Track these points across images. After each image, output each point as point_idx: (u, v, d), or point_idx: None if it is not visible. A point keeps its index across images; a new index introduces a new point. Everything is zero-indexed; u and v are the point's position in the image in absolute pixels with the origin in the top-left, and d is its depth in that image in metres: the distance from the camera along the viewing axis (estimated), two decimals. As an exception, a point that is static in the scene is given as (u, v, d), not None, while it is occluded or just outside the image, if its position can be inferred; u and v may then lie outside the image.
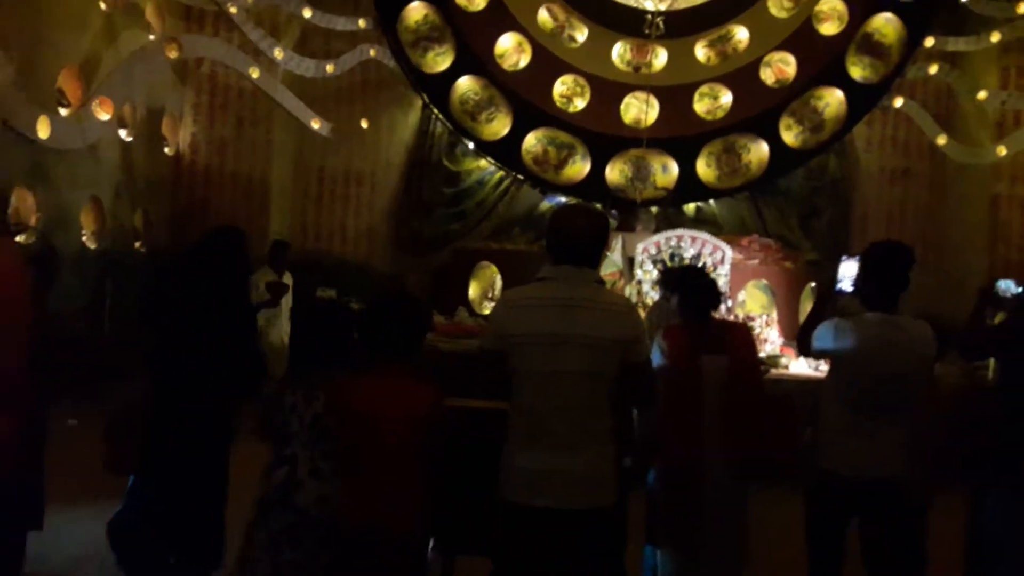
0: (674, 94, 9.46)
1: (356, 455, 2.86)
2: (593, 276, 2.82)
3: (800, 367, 7.11)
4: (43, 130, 6.86)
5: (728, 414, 3.49)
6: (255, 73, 8.73)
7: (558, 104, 9.61)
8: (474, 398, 3.20)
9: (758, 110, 9.46)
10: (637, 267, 7.72)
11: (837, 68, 9.38)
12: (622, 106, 9.58)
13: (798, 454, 3.60)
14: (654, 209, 9.16)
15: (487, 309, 8.37)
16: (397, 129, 10.20)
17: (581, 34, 9.59)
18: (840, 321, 3.38)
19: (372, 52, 9.39)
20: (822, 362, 4.94)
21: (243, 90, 9.34)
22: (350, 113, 9.75)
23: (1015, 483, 3.23)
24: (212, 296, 3.52)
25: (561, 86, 9.62)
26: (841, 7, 9.38)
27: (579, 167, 9.66)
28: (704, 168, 9.60)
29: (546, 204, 10.09)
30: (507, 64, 9.57)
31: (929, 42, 9.29)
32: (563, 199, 9.76)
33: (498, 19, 9.47)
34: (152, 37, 8.60)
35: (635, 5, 9.39)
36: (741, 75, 9.49)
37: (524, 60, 9.59)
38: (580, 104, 9.63)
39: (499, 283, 8.59)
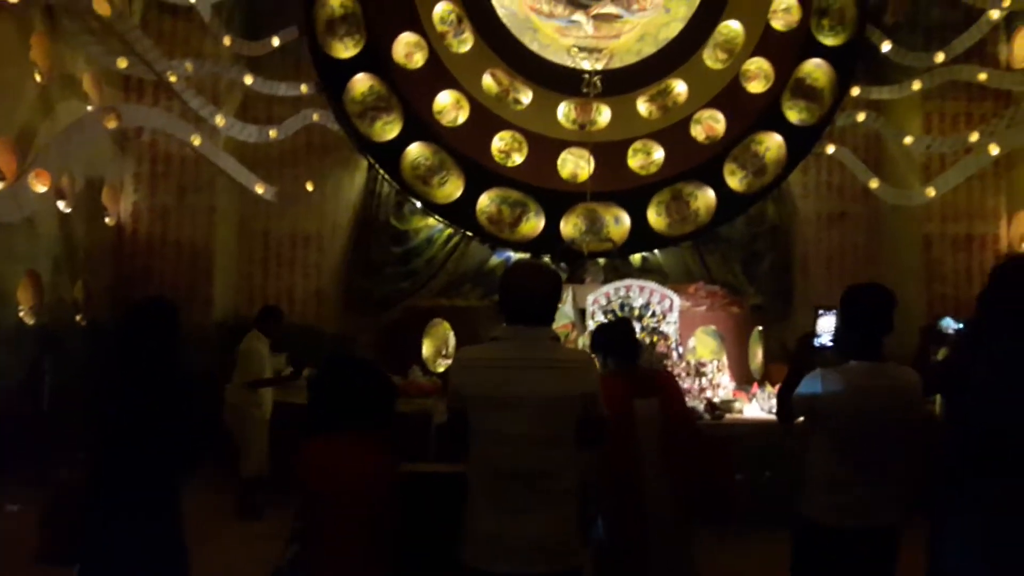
0: (609, 150, 9.69)
1: (316, 521, 2.81)
2: (548, 333, 2.83)
3: (753, 411, 7.18)
4: (-23, 204, 6.72)
5: (665, 454, 3.59)
6: (196, 140, 8.67)
7: (497, 159, 9.75)
8: (432, 460, 3.17)
9: (689, 166, 9.76)
10: (589, 318, 7.78)
11: (774, 113, 9.74)
12: (559, 161, 9.76)
13: (737, 490, 3.70)
14: (601, 261, 9.31)
15: (442, 367, 8.32)
16: (343, 190, 10.21)
17: (526, 96, 9.77)
18: (825, 371, 3.31)
19: (315, 117, 9.42)
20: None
21: (185, 158, 9.25)
22: (295, 176, 9.74)
23: (966, 512, 3.25)
24: (141, 371, 3.39)
25: (499, 141, 9.76)
26: (767, 66, 9.77)
27: (533, 223, 9.77)
28: (655, 217, 9.80)
29: (495, 259, 10.15)
30: (445, 120, 9.69)
31: (855, 91, 9.75)
32: (512, 254, 9.84)
33: (436, 77, 9.62)
34: (90, 108, 8.52)
35: (573, 66, 9.64)
36: (673, 131, 9.79)
37: (462, 116, 9.72)
38: (518, 159, 9.76)
39: (452, 340, 8.55)
